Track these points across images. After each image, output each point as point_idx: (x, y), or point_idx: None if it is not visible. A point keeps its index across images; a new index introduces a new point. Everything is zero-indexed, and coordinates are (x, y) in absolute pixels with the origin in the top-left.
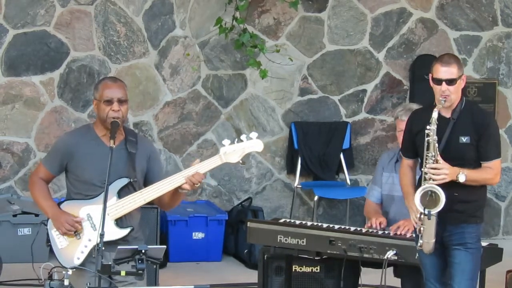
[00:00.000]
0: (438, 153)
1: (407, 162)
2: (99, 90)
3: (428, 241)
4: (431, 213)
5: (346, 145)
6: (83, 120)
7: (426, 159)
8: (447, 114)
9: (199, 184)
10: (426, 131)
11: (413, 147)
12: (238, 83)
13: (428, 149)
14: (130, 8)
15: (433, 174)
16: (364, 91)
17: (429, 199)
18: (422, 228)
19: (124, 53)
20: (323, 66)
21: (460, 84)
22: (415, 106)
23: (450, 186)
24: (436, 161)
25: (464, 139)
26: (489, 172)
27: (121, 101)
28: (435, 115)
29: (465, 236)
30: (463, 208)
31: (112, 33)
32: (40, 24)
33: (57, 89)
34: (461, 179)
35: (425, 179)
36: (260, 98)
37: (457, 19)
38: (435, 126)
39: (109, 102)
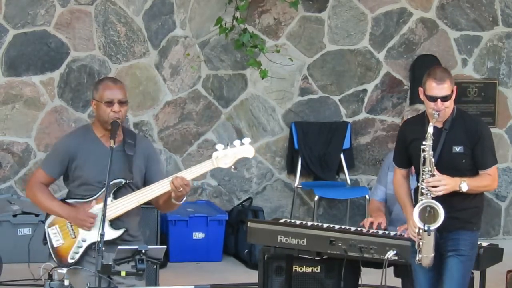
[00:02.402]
0: (434, 167)
1: (400, 172)
2: (99, 90)
3: (427, 256)
4: (431, 228)
5: (346, 145)
6: (83, 120)
7: (423, 174)
8: (439, 125)
9: (181, 189)
10: (422, 147)
11: (406, 157)
12: (238, 83)
13: (424, 164)
14: (130, 8)
15: (432, 187)
16: (365, 91)
17: (428, 214)
18: (421, 243)
19: (124, 53)
20: (323, 66)
21: (453, 97)
22: (421, 107)
23: (446, 194)
24: (433, 175)
25: (457, 149)
26: (488, 179)
27: (121, 102)
28: (430, 130)
29: (460, 242)
30: (460, 214)
31: (112, 33)
32: (40, 24)
33: (57, 89)
34: (464, 188)
35: (422, 194)
36: (261, 98)
37: (457, 19)
38: (431, 142)
39: (110, 103)
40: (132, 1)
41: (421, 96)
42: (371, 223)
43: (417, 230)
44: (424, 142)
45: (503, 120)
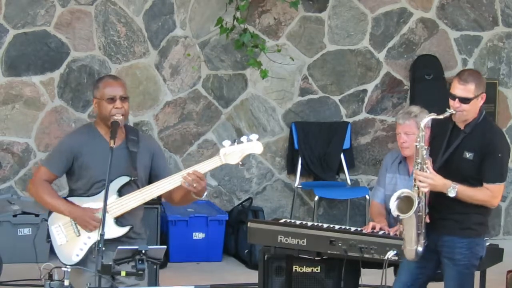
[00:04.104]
0: (425, 160)
1: None
2: (100, 88)
3: (408, 247)
4: (400, 217)
5: (346, 145)
6: (83, 120)
7: (415, 165)
8: (460, 126)
9: (196, 184)
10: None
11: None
12: (239, 83)
13: (417, 155)
14: (131, 8)
15: (420, 181)
16: (365, 91)
17: (407, 204)
18: (400, 233)
19: (125, 53)
20: (323, 66)
21: (477, 102)
22: (415, 109)
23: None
24: (422, 169)
25: (468, 155)
26: (485, 194)
27: (123, 98)
28: (424, 121)
29: (455, 251)
30: (458, 218)
31: (113, 33)
32: (40, 24)
33: (57, 89)
34: (451, 193)
35: (414, 185)
36: (261, 98)
37: (457, 19)
38: (424, 133)
39: (112, 99)
40: (132, 1)
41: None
42: (373, 228)
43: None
44: (417, 133)
45: (503, 120)
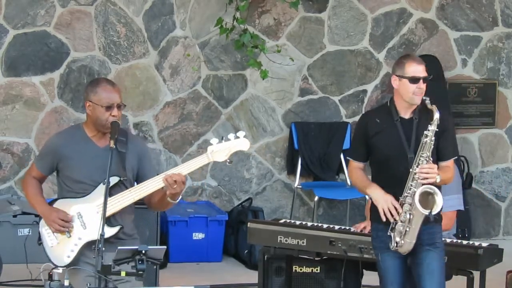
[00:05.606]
0: (430, 153)
1: (357, 165)
2: (97, 93)
3: (410, 241)
4: (432, 213)
5: (346, 145)
6: (83, 120)
7: (420, 159)
8: (406, 115)
9: (175, 185)
10: (425, 132)
11: (366, 151)
12: (238, 84)
13: (423, 149)
14: (130, 8)
15: (427, 173)
16: (365, 91)
17: (426, 200)
18: (407, 228)
19: (124, 53)
20: (323, 67)
21: None
22: None
23: None
24: (428, 162)
25: None
26: (449, 171)
27: (119, 106)
28: (437, 115)
29: (435, 236)
30: None
31: (112, 33)
32: (40, 24)
33: (57, 90)
34: (438, 179)
35: (413, 179)
36: (260, 98)
37: (457, 19)
38: (435, 127)
39: (110, 107)
40: (132, 2)
41: (396, 83)
42: (365, 228)
43: (407, 216)
44: (429, 127)
45: (503, 120)
